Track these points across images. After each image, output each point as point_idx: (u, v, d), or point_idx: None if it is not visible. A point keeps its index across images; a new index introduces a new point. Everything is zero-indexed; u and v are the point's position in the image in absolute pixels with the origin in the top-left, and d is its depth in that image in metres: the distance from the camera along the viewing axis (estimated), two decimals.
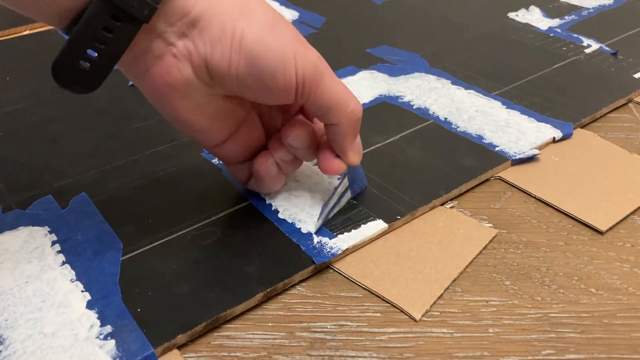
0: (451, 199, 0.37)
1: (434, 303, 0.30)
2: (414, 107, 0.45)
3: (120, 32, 0.27)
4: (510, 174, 0.38)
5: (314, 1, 0.66)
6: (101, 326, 0.28)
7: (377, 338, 0.28)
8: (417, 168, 0.38)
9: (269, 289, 0.30)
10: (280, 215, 0.34)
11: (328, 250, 0.32)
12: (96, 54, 0.28)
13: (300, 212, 0.34)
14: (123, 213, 0.35)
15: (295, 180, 0.37)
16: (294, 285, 0.31)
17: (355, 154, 0.33)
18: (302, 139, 0.33)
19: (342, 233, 0.33)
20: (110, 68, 0.29)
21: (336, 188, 0.34)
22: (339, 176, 0.35)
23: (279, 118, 0.35)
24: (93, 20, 0.27)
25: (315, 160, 0.37)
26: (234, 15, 0.28)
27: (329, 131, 0.32)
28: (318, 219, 0.33)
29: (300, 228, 0.33)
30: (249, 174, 0.35)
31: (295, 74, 0.29)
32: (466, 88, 0.47)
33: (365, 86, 0.48)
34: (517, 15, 0.61)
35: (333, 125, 0.31)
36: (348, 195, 0.35)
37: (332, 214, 0.34)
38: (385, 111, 0.45)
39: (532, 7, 0.62)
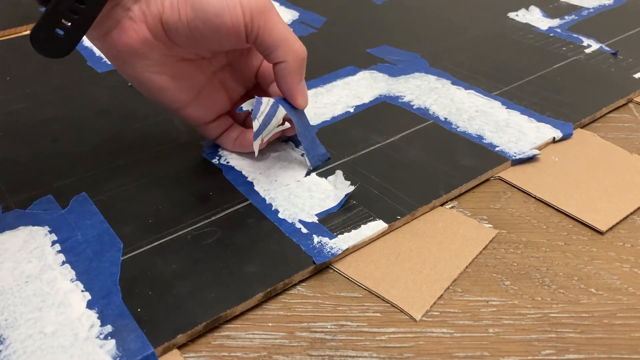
0: (451, 199, 0.37)
1: (434, 303, 0.30)
2: (414, 107, 0.45)
3: (89, 5, 0.30)
4: (510, 174, 0.39)
5: (314, 1, 0.66)
6: (101, 326, 0.28)
7: (377, 338, 0.28)
8: (417, 168, 0.38)
9: (269, 289, 0.30)
10: (280, 215, 0.34)
11: (328, 250, 0.32)
12: (69, 24, 0.31)
13: (300, 212, 0.34)
14: (123, 213, 0.35)
15: (296, 181, 0.37)
16: (294, 285, 0.31)
17: (301, 96, 0.35)
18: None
19: (342, 233, 0.33)
20: (82, 35, 0.32)
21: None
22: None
23: (240, 86, 0.39)
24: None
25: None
26: None
27: (277, 72, 0.34)
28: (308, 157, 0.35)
29: (300, 228, 0.33)
30: (217, 133, 0.39)
31: (242, 11, 0.31)
32: (466, 88, 0.47)
33: (365, 86, 0.48)
34: (517, 15, 0.61)
35: (280, 64, 0.34)
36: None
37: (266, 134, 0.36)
38: (385, 111, 0.45)
39: (532, 7, 0.62)
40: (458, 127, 0.42)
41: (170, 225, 0.34)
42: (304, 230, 0.33)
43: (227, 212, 0.35)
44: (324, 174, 0.37)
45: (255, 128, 0.35)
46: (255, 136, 0.35)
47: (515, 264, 0.32)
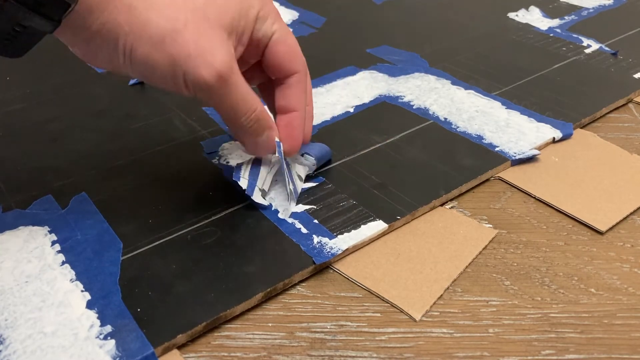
0: (451, 199, 0.37)
1: (434, 303, 0.30)
2: (414, 107, 0.45)
3: (27, 34, 0.29)
4: (510, 174, 0.38)
5: (314, 1, 0.66)
6: (101, 326, 0.28)
7: (377, 338, 0.28)
8: (417, 168, 0.38)
9: (269, 289, 0.30)
10: (280, 215, 0.34)
11: (328, 250, 0.32)
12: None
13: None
14: (123, 213, 0.35)
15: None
16: (294, 285, 0.31)
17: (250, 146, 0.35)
18: None
19: (342, 233, 0.33)
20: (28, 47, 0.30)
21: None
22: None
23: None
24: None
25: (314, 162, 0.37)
26: (125, 29, 0.29)
27: (291, 82, 0.34)
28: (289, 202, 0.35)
29: (300, 228, 0.33)
30: None
31: (185, 84, 0.30)
32: (466, 88, 0.47)
33: (365, 86, 0.48)
34: (517, 15, 0.61)
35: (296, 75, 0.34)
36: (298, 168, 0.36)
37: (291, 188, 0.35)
38: (385, 111, 0.45)
39: (532, 7, 0.62)
40: (458, 127, 0.42)
41: (170, 225, 0.34)
42: (304, 230, 0.33)
43: (227, 212, 0.35)
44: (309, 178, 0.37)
45: (245, 185, 0.34)
46: (249, 191, 0.34)
47: (515, 264, 0.32)
